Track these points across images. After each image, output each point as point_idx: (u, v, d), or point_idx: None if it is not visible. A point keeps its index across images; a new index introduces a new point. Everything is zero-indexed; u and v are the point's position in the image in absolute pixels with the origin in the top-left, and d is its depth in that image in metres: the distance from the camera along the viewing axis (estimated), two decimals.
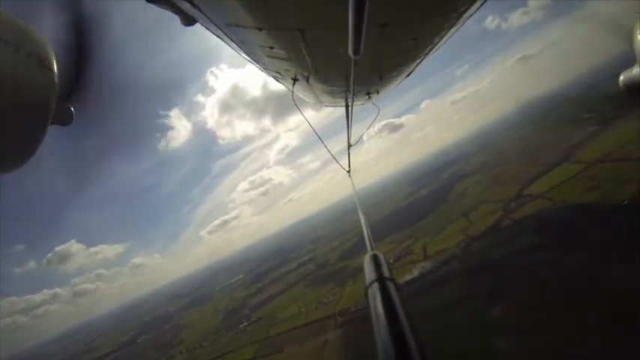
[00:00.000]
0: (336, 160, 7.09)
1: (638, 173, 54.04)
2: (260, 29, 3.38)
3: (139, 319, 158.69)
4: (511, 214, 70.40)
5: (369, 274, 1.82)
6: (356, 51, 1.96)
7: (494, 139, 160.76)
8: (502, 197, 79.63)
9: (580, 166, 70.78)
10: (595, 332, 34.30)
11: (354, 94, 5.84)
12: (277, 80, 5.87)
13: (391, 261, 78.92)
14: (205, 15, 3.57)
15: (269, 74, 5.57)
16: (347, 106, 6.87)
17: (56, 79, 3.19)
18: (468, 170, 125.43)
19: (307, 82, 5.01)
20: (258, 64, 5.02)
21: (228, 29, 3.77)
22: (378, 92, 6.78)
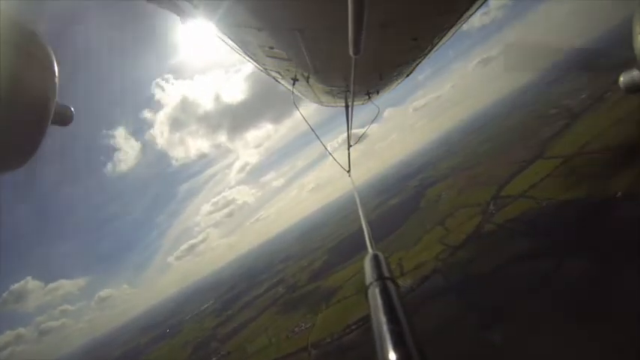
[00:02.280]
0: (336, 161, 7.66)
1: (621, 163, 55.24)
2: (260, 29, 3.74)
3: (110, 354, 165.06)
4: (492, 218, 70.89)
5: (370, 274, 1.92)
6: (356, 50, 2.09)
7: (460, 142, 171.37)
8: (479, 200, 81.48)
9: (556, 161, 73.03)
10: (627, 356, 30.50)
11: (354, 94, 6.11)
12: (277, 80, 6.20)
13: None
14: (205, 15, 3.84)
15: (269, 74, 5.85)
16: (347, 106, 7.21)
17: (56, 79, 3.34)
18: (438, 176, 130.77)
19: (307, 82, 5.34)
20: (258, 64, 5.29)
21: (228, 29, 4.11)
22: (377, 92, 7.24)
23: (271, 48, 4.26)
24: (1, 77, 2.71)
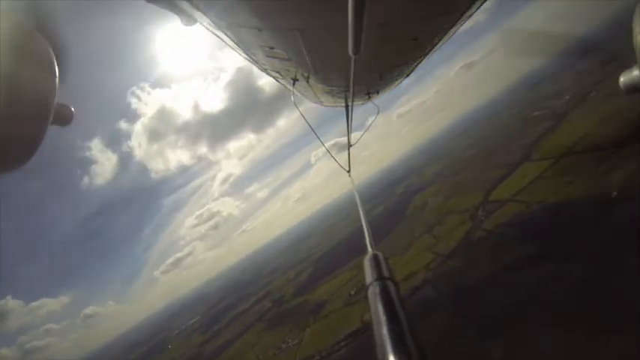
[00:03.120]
0: (336, 161, 7.76)
1: (614, 162, 55.43)
2: (260, 29, 3.84)
3: None
4: (482, 224, 70.58)
5: (369, 273, 1.96)
6: (356, 50, 2.12)
7: (445, 148, 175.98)
8: (467, 206, 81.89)
9: (546, 163, 73.63)
10: None
11: (353, 94, 6.23)
12: (277, 80, 6.32)
13: (352, 293, 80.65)
14: (205, 15, 3.95)
15: (269, 74, 5.95)
16: (347, 106, 7.35)
17: (56, 79, 3.40)
18: (424, 182, 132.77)
19: (307, 82, 5.47)
20: (258, 64, 5.38)
21: (228, 29, 4.23)
22: (377, 92, 7.44)
23: (271, 48, 4.37)
24: (1, 77, 2.77)
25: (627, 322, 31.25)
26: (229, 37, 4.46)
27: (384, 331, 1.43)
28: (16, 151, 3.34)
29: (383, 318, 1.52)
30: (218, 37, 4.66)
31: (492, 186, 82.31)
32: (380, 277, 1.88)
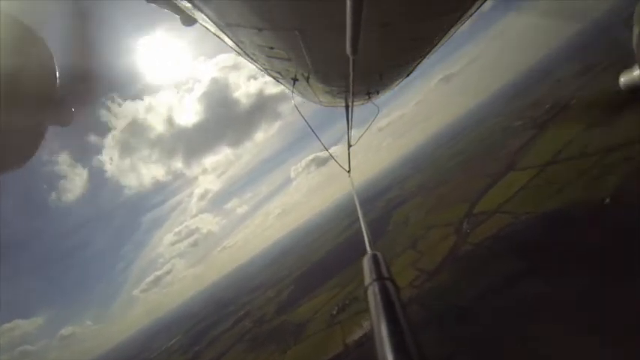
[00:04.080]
0: (336, 161, 7.91)
1: (602, 168, 55.81)
2: (260, 29, 3.93)
3: None
4: (468, 238, 69.82)
5: (369, 274, 2.00)
6: (354, 51, 2.16)
7: (427, 160, 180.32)
8: (451, 219, 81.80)
9: (531, 172, 74.10)
10: None
11: (353, 94, 6.37)
12: (277, 80, 6.46)
13: (334, 312, 79.97)
14: (205, 15, 4.07)
15: (269, 74, 6.07)
16: (347, 106, 7.53)
17: (56, 79, 3.47)
18: (406, 195, 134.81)
19: (307, 82, 5.62)
20: (258, 64, 5.48)
21: (228, 29, 4.31)
22: (378, 92, 7.63)
23: (271, 48, 4.46)
24: (1, 77, 2.82)
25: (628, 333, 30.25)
26: (229, 37, 4.56)
27: (384, 331, 1.49)
28: (15, 151, 3.38)
29: (382, 318, 1.57)
30: (218, 37, 4.78)
31: (477, 197, 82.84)
32: (379, 278, 1.93)
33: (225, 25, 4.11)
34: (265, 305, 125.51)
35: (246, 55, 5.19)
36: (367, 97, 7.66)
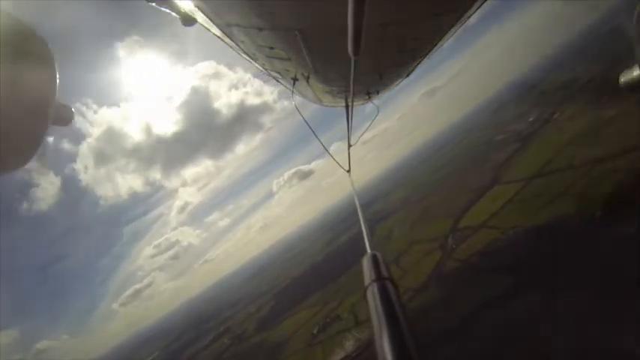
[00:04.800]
0: (336, 161, 8.02)
1: (591, 180, 56.16)
2: (260, 29, 4.07)
3: None
4: (453, 254, 69.49)
5: (368, 274, 1.98)
6: (355, 51, 2.18)
7: (411, 174, 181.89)
8: (435, 234, 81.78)
9: (517, 185, 74.63)
10: None
11: (354, 94, 6.47)
12: (277, 80, 6.53)
13: (315, 332, 79.54)
14: (205, 15, 4.20)
15: (269, 74, 6.14)
16: (347, 106, 7.65)
17: (56, 78, 3.49)
18: (389, 209, 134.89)
19: (307, 82, 5.74)
20: (258, 64, 5.60)
21: (228, 29, 4.45)
22: (377, 92, 7.83)
23: (271, 48, 4.57)
24: (0, 77, 2.83)
25: None
26: (229, 37, 4.66)
27: (384, 331, 1.50)
28: (16, 151, 3.37)
29: (382, 318, 1.57)
30: (218, 37, 4.86)
31: (462, 212, 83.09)
32: (379, 278, 1.91)
33: (226, 25, 4.23)
34: (246, 321, 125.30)
35: (247, 54, 5.28)
36: (367, 97, 7.91)
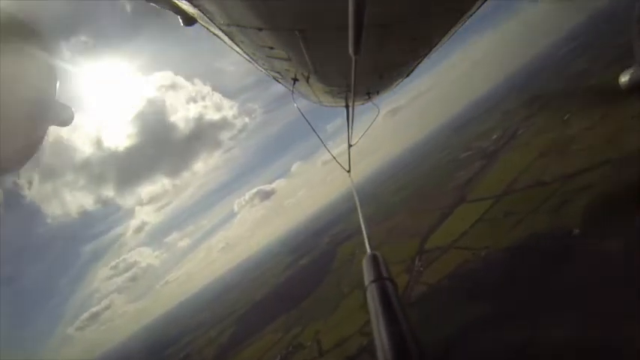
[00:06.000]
0: (337, 161, 8.38)
1: (564, 196, 56.31)
2: (260, 29, 4.15)
3: None
4: (421, 277, 67.64)
5: (368, 274, 2.16)
6: (356, 50, 2.25)
7: (374, 193, 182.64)
8: (402, 256, 79.35)
9: (485, 203, 74.44)
10: None
11: (354, 94, 6.63)
12: (277, 80, 6.61)
13: None
14: (205, 15, 4.27)
15: (269, 74, 6.22)
16: (347, 106, 8.09)
17: (56, 78, 3.56)
18: (351, 229, 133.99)
19: (307, 82, 5.92)
20: (258, 64, 5.63)
21: (228, 29, 4.54)
22: (378, 92, 8.12)
23: (271, 48, 4.69)
24: (0, 77, 2.84)
25: None
26: (229, 37, 4.76)
27: (384, 331, 1.63)
28: (16, 152, 3.39)
29: (382, 319, 1.71)
30: (218, 37, 5.00)
31: (428, 231, 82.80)
32: (379, 278, 2.09)
33: (225, 25, 4.31)
34: (206, 347, 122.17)
35: (247, 54, 5.39)
36: (367, 97, 8.16)
